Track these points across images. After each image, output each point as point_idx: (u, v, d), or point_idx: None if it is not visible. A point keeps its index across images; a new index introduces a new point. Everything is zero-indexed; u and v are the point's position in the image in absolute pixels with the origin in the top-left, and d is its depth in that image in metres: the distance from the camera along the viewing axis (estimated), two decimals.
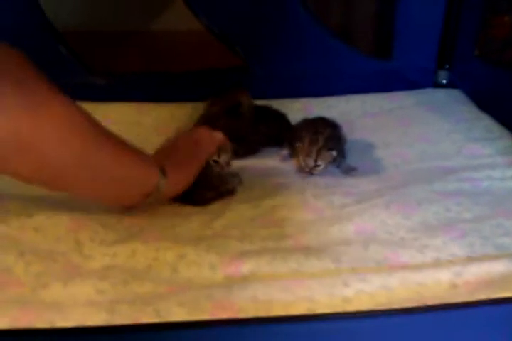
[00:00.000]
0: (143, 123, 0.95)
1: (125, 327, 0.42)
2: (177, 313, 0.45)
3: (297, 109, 0.94)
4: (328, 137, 0.73)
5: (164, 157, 0.64)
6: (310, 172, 0.73)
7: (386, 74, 1.08)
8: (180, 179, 0.63)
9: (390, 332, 0.42)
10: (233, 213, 0.64)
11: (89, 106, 0.94)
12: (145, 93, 1.03)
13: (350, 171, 0.75)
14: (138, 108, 1.00)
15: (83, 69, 1.03)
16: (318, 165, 0.72)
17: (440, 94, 1.04)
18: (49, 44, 1.00)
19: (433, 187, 0.68)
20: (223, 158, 0.71)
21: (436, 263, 0.52)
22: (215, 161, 0.70)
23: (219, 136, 0.69)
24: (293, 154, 0.78)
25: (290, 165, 0.77)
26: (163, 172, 0.59)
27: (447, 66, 1.08)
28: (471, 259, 0.53)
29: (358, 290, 0.48)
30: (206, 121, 0.83)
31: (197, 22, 1.02)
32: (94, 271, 0.52)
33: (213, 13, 1.02)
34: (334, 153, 0.72)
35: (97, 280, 0.51)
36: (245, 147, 0.81)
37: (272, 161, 0.80)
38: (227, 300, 0.47)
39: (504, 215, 0.61)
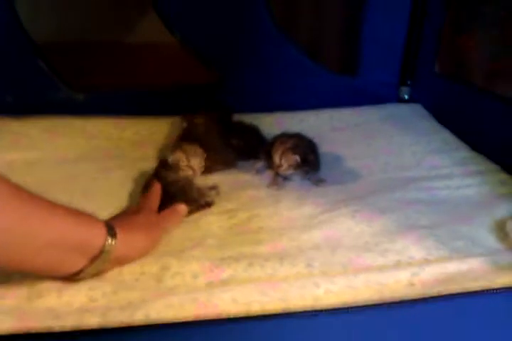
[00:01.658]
0: (122, 137, 1.00)
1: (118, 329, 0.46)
2: (164, 316, 0.50)
3: (269, 123, 0.99)
4: (298, 144, 0.79)
5: (120, 219, 0.62)
6: (277, 171, 0.79)
7: (352, 90, 1.15)
8: (135, 242, 0.59)
9: (355, 327, 0.47)
10: (211, 224, 0.69)
11: (67, 121, 1.00)
12: (122, 108, 1.07)
13: (319, 183, 0.80)
14: (116, 123, 1.04)
15: (61, 84, 1.07)
16: (281, 166, 0.78)
17: (403, 108, 1.12)
18: (27, 58, 1.04)
19: (394, 197, 0.74)
20: (193, 162, 0.76)
21: (396, 265, 0.58)
22: (187, 166, 0.74)
23: (181, 208, 0.68)
24: (268, 166, 0.83)
25: (264, 179, 0.82)
26: (113, 233, 0.55)
27: (409, 82, 1.16)
28: (427, 261, 0.59)
29: (326, 291, 0.53)
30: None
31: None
32: (86, 282, 0.55)
33: (188, 30, 1.06)
34: (298, 158, 0.77)
35: (88, 290, 0.54)
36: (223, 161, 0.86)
37: (247, 175, 0.85)
38: (210, 302, 0.51)
39: (459, 221, 0.68)
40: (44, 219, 0.50)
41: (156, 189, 0.71)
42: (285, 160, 0.78)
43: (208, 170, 0.82)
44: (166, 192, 0.71)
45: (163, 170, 0.76)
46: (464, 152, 0.90)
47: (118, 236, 0.55)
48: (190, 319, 0.49)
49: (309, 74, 1.13)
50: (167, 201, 0.70)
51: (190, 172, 0.76)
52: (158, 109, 1.07)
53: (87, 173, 0.84)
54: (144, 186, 0.75)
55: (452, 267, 0.57)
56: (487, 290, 0.50)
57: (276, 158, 0.78)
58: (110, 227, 0.55)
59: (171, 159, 0.76)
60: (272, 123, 1.01)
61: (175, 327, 0.46)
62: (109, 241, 0.54)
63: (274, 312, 0.50)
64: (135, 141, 0.98)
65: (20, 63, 1.05)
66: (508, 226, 0.65)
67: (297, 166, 0.78)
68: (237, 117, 0.97)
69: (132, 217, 0.64)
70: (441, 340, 0.48)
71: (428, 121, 1.05)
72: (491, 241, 0.64)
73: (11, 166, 0.85)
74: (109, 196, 0.76)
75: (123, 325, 0.47)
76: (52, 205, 0.52)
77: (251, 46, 1.10)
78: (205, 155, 0.80)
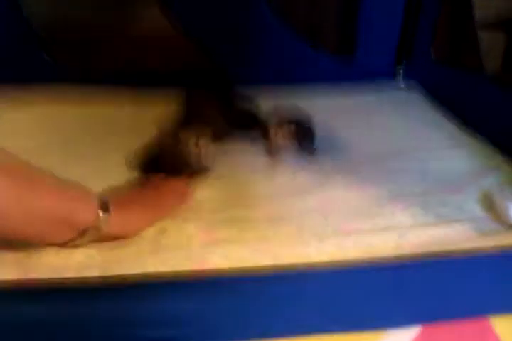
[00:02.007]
0: (119, 107, 1.00)
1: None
2: (161, 270, 0.52)
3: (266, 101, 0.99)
4: (293, 115, 0.81)
5: (118, 195, 0.60)
6: (275, 143, 0.80)
7: (348, 70, 1.16)
8: (129, 221, 0.58)
9: (343, 282, 0.49)
10: (205, 189, 0.71)
11: (64, 96, 1.00)
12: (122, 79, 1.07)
13: (313, 153, 0.82)
14: (114, 96, 1.04)
15: (57, 66, 1.07)
16: (277, 135, 0.80)
17: (398, 87, 1.14)
18: (25, 42, 1.04)
19: (386, 167, 0.76)
20: (202, 143, 0.77)
21: (385, 229, 0.60)
22: (195, 145, 0.76)
23: (187, 192, 0.68)
24: (263, 136, 0.84)
25: (259, 147, 0.84)
26: (106, 208, 0.54)
27: (405, 62, 1.17)
28: (414, 225, 0.61)
29: (317, 250, 0.56)
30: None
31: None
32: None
33: (187, 19, 1.07)
34: (293, 127, 0.79)
35: (85, 249, 0.56)
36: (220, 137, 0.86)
37: (242, 144, 0.86)
38: (203, 259, 0.54)
39: (447, 190, 0.70)
40: (35, 193, 0.49)
41: (183, 179, 0.71)
42: (281, 130, 0.80)
43: None
44: (163, 157, 0.73)
45: (164, 137, 0.77)
46: (455, 127, 0.92)
47: (111, 213, 0.54)
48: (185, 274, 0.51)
49: (306, 55, 1.14)
50: (164, 166, 0.71)
51: (196, 151, 0.77)
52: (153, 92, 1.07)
53: (82, 140, 0.85)
54: (142, 151, 0.76)
55: (437, 232, 0.60)
56: (468, 252, 0.53)
57: (272, 128, 0.80)
58: (104, 203, 0.54)
59: (181, 136, 0.77)
60: (268, 101, 1.01)
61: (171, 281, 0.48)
62: (101, 217, 0.53)
63: (265, 268, 0.52)
64: (132, 111, 0.98)
65: (18, 48, 1.05)
66: (493, 196, 0.67)
67: (292, 137, 0.80)
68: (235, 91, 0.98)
69: (132, 195, 0.62)
70: (422, 298, 0.50)
71: (422, 100, 1.07)
72: (477, 209, 0.66)
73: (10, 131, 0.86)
74: (104, 161, 0.76)
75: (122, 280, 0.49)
76: (44, 177, 0.51)
77: (251, 34, 1.10)
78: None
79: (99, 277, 0.51)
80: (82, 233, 0.53)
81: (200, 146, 0.77)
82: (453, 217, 0.63)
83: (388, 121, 0.97)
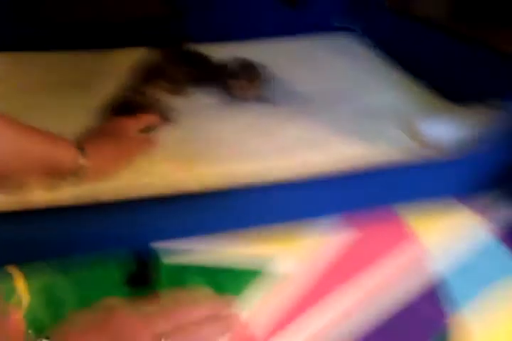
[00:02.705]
0: (81, 69, 1.02)
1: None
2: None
3: (222, 52, 1.01)
4: (256, 75, 0.90)
5: (90, 139, 0.67)
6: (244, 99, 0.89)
7: (301, 20, 1.21)
8: (105, 160, 0.65)
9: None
10: (173, 134, 0.78)
11: (25, 55, 1.03)
12: (79, 41, 1.09)
13: (270, 102, 0.90)
14: (76, 55, 1.07)
15: (16, 17, 1.07)
16: (239, 87, 0.88)
17: (347, 38, 1.21)
18: None
19: (331, 108, 0.88)
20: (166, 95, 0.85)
21: (323, 151, 0.74)
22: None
23: (154, 139, 0.75)
24: (223, 88, 0.91)
25: (220, 99, 0.90)
26: (83, 152, 0.61)
27: (357, 13, 1.22)
28: (345, 146, 0.76)
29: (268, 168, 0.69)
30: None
31: None
32: None
33: None
34: (260, 91, 0.89)
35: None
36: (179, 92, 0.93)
37: (204, 98, 0.92)
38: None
39: (377, 121, 0.83)
40: (29, 138, 0.56)
41: (146, 117, 0.78)
42: (238, 82, 0.88)
43: None
44: (132, 107, 0.79)
45: (129, 93, 0.84)
46: (397, 74, 1.02)
47: (88, 156, 0.61)
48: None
49: (260, 7, 1.18)
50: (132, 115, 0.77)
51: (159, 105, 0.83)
52: (114, 41, 1.10)
53: (49, 102, 0.86)
54: (111, 107, 0.81)
55: (363, 150, 0.74)
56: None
57: (231, 80, 0.88)
58: (81, 148, 0.61)
59: (143, 90, 0.83)
60: (224, 52, 1.02)
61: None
62: (80, 160, 0.61)
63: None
64: (96, 71, 1.00)
65: None
66: (414, 120, 0.79)
67: (250, 87, 0.89)
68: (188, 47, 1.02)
69: (104, 139, 0.68)
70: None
71: (369, 51, 1.14)
72: (399, 133, 0.79)
73: None
74: (72, 122, 0.77)
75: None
76: (31, 126, 0.57)
77: None
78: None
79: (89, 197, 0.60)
80: (66, 174, 0.61)
81: (163, 100, 0.83)
82: (388, 145, 0.76)
83: (334, 70, 1.05)
